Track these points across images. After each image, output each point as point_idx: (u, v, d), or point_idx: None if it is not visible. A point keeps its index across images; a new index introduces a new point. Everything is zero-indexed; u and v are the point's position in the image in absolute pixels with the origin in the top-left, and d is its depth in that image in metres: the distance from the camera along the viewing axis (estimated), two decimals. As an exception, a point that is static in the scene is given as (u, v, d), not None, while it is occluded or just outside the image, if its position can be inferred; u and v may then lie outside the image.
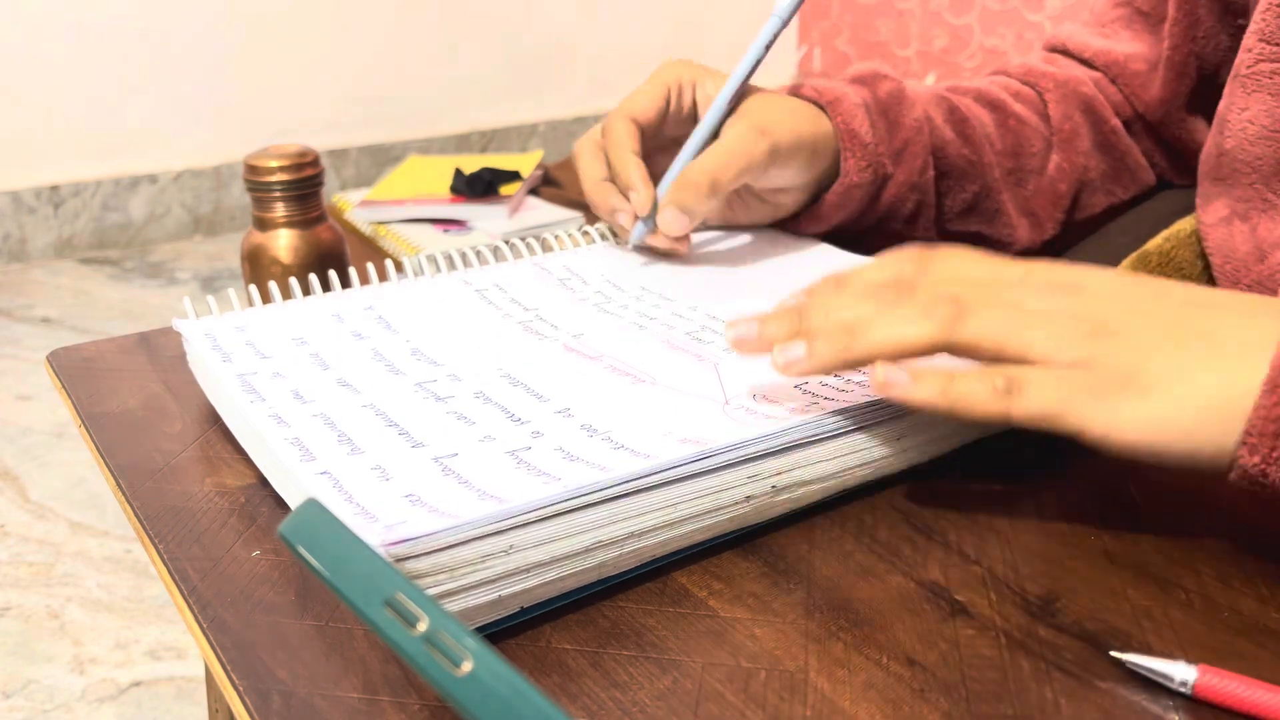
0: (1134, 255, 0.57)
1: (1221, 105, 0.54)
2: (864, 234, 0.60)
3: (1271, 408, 0.33)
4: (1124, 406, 0.34)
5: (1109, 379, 0.35)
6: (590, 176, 0.58)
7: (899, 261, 0.39)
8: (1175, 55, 0.62)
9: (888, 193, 0.58)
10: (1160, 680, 0.30)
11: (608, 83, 2.67)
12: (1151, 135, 0.66)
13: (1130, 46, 0.65)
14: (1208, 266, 0.55)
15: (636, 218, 0.55)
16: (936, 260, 0.39)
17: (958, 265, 0.39)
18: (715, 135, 0.56)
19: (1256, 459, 0.33)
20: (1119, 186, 0.66)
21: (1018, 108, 0.64)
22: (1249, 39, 0.52)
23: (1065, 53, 0.68)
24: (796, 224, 0.60)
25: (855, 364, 0.36)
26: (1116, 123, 0.65)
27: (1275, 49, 0.50)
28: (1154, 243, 0.57)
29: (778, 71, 2.91)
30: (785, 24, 0.56)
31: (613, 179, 0.56)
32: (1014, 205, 0.63)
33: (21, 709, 1.01)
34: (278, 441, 0.38)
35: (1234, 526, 0.38)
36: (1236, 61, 0.53)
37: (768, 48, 0.55)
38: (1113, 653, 0.31)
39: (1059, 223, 0.64)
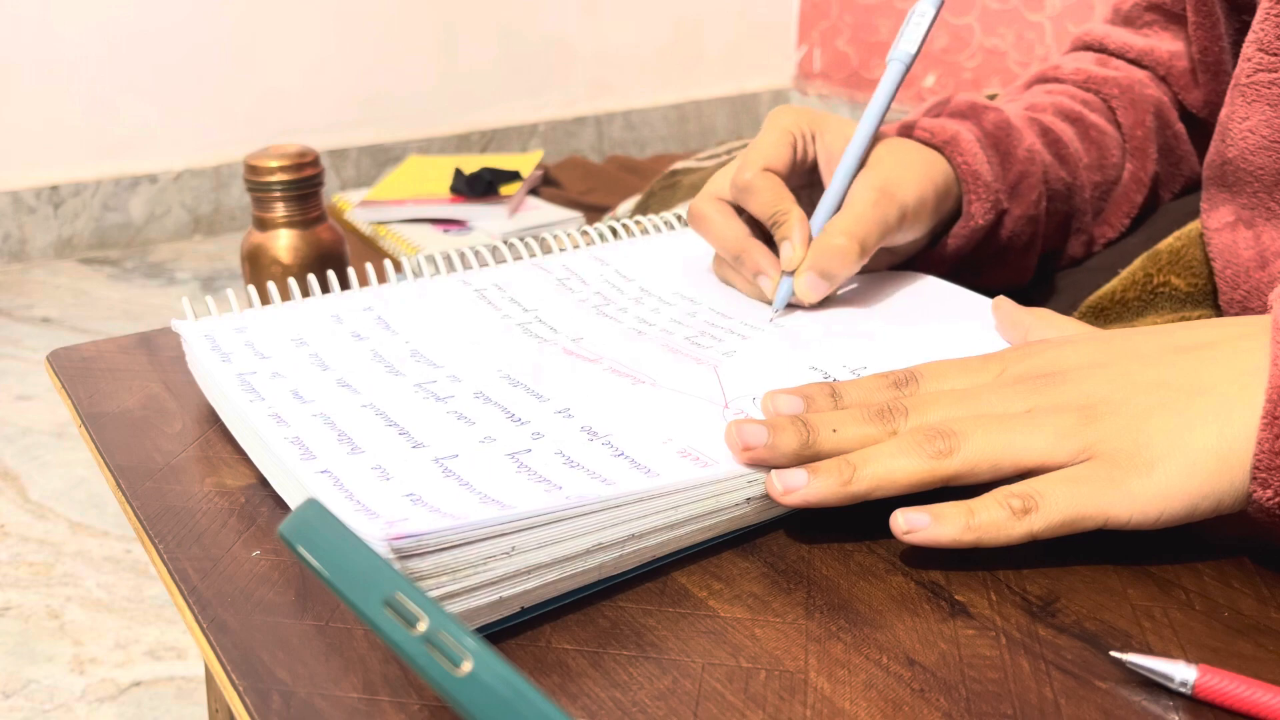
0: (1146, 254, 0.57)
1: (1223, 113, 0.54)
2: (978, 269, 0.58)
3: (1274, 440, 0.33)
4: (1136, 486, 0.34)
5: (1113, 464, 0.35)
6: (733, 236, 0.52)
7: (885, 382, 0.40)
8: (1206, 58, 0.62)
9: (1005, 229, 0.56)
10: (1160, 680, 0.30)
11: (608, 83, 2.67)
12: (1198, 132, 0.66)
13: (1173, 45, 0.65)
14: None
15: (783, 274, 0.51)
16: (921, 380, 0.39)
17: (939, 380, 0.39)
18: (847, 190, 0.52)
19: (1269, 492, 0.34)
20: (1166, 191, 0.66)
21: (1094, 118, 0.63)
22: (1248, 47, 0.52)
23: (1104, 51, 0.67)
24: (914, 267, 0.57)
25: (853, 499, 0.36)
26: (1180, 127, 0.64)
27: (1273, 59, 0.50)
28: (1165, 242, 0.57)
29: (776, 72, 2.91)
30: (908, 68, 0.53)
31: (766, 230, 0.53)
32: (1093, 220, 0.63)
33: (21, 709, 1.01)
34: (277, 440, 0.38)
35: (1234, 527, 0.38)
36: (1236, 70, 0.53)
37: (893, 96, 0.53)
38: (1113, 653, 0.31)
39: (1124, 228, 0.64)
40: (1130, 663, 0.31)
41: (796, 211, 0.51)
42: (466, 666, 0.23)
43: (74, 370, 0.50)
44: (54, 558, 1.23)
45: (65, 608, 1.15)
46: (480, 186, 1.88)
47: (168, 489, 0.41)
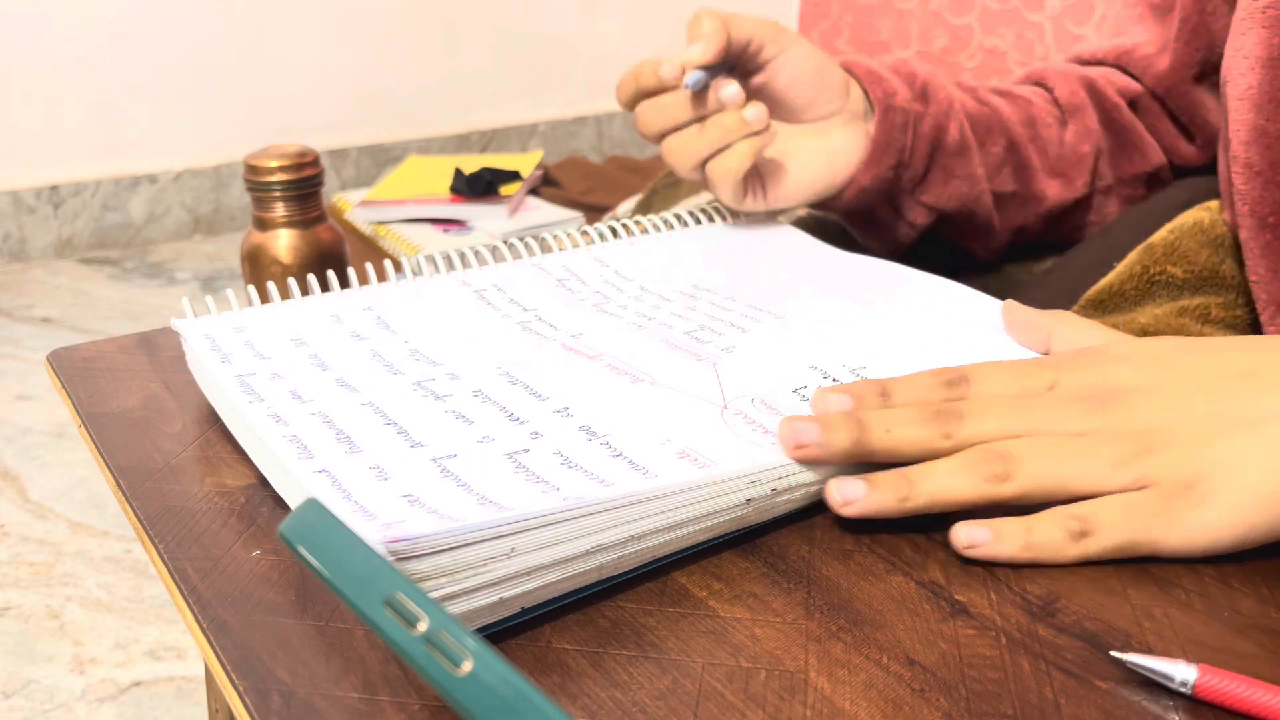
0: (1140, 249, 0.57)
1: (1227, 50, 0.55)
2: (924, 181, 0.62)
3: None
4: (1189, 518, 0.35)
5: (1170, 496, 0.35)
6: (651, 59, 0.58)
7: (937, 382, 0.40)
8: (1184, 28, 0.65)
9: (924, 125, 0.60)
10: (1160, 680, 0.30)
11: (608, 83, 2.67)
12: (1161, 108, 0.69)
13: (1140, 36, 0.69)
14: (1211, 255, 0.56)
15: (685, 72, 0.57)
16: (973, 382, 0.40)
17: (990, 382, 0.40)
18: None
19: None
20: (1126, 161, 0.68)
21: (1027, 92, 0.67)
22: None
23: (1079, 60, 0.72)
24: (853, 178, 0.61)
25: (909, 514, 0.37)
26: (1118, 100, 0.67)
27: None
28: (1159, 236, 0.58)
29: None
30: None
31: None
32: (1041, 165, 0.66)
33: (21, 709, 1.01)
34: (276, 440, 0.38)
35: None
36: (1238, 7, 0.54)
37: None
38: (1113, 653, 0.31)
39: (1087, 183, 0.67)
40: (1130, 663, 0.31)
41: (720, 23, 0.56)
42: (467, 666, 0.23)
43: (74, 370, 0.50)
44: (54, 558, 1.23)
45: (65, 608, 1.15)
46: (480, 186, 1.88)
47: (168, 489, 0.41)
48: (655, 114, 0.58)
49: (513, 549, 0.32)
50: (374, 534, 0.30)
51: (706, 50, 0.55)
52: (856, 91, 0.61)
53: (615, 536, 0.34)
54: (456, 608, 0.31)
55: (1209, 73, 0.66)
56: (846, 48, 2.77)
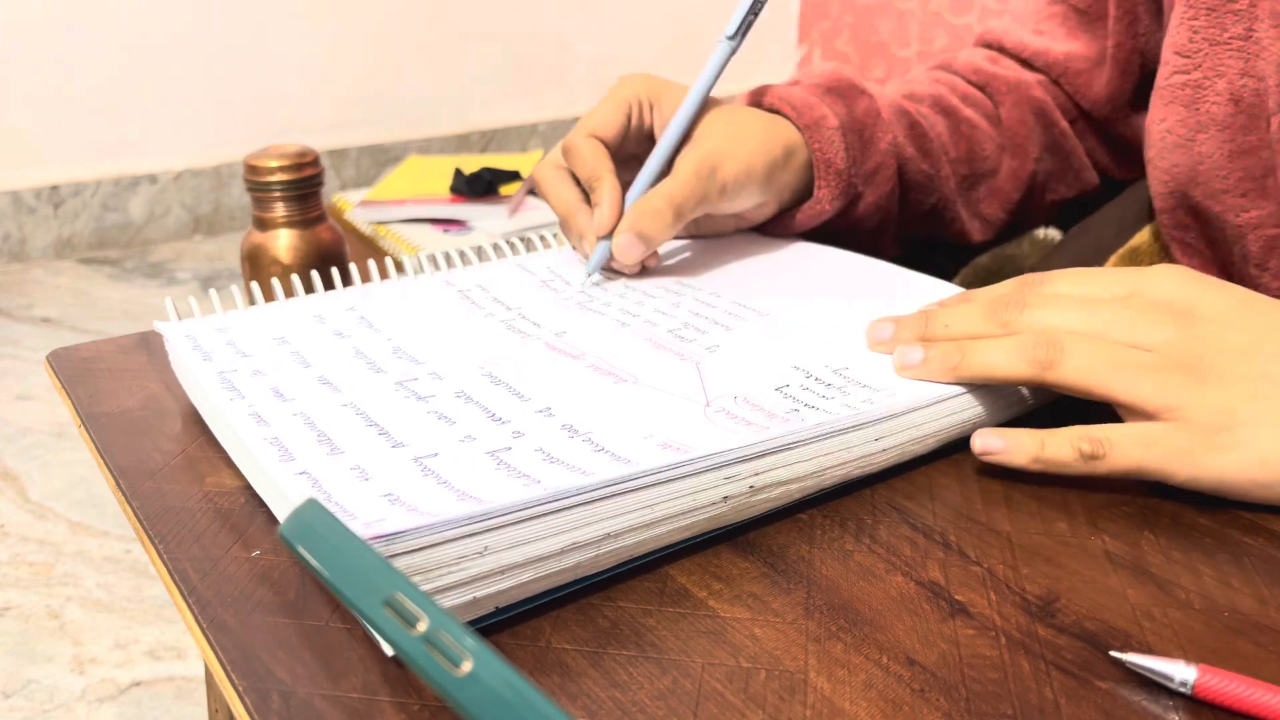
0: (1124, 250, 0.58)
1: (1148, 118, 0.56)
2: (837, 239, 0.60)
3: None
4: (1205, 460, 0.37)
5: (1193, 436, 0.37)
6: (565, 199, 0.54)
7: (1013, 284, 0.43)
8: (1119, 52, 0.63)
9: (856, 211, 0.59)
10: (1160, 680, 0.30)
11: (608, 83, 2.67)
12: (1096, 133, 0.67)
13: (1067, 45, 0.66)
14: None
15: (598, 240, 0.53)
16: (1049, 281, 0.42)
17: (1067, 284, 0.41)
18: (671, 159, 0.54)
19: None
20: (1063, 185, 0.68)
21: (968, 112, 0.64)
22: (1165, 51, 0.53)
23: (1001, 50, 0.68)
24: (762, 230, 0.60)
25: (960, 381, 0.41)
26: (1065, 125, 0.66)
27: (1185, 60, 0.51)
28: (1143, 238, 0.58)
29: (778, 72, 2.91)
30: (735, 49, 0.55)
31: (586, 200, 0.55)
32: (966, 211, 0.64)
33: (21, 709, 1.01)
34: (256, 441, 0.38)
35: (1235, 527, 0.38)
36: (1158, 74, 0.54)
37: (717, 74, 0.55)
38: (1113, 653, 0.31)
39: (1005, 222, 0.67)
40: (1130, 663, 0.31)
41: (609, 178, 0.53)
42: (466, 666, 0.23)
43: (74, 370, 0.50)
44: (54, 558, 1.23)
45: (65, 608, 1.15)
46: (480, 186, 1.88)
47: (168, 489, 0.41)
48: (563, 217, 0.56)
49: (486, 547, 0.31)
50: (355, 533, 0.29)
51: (634, 267, 0.53)
52: (791, 146, 0.56)
53: (591, 535, 0.33)
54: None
55: (1147, 97, 0.63)
56: (847, 48, 2.77)
